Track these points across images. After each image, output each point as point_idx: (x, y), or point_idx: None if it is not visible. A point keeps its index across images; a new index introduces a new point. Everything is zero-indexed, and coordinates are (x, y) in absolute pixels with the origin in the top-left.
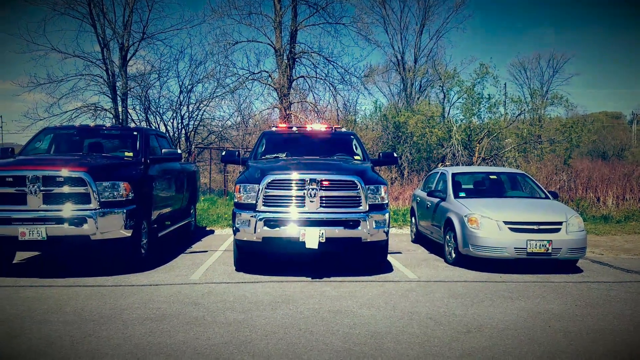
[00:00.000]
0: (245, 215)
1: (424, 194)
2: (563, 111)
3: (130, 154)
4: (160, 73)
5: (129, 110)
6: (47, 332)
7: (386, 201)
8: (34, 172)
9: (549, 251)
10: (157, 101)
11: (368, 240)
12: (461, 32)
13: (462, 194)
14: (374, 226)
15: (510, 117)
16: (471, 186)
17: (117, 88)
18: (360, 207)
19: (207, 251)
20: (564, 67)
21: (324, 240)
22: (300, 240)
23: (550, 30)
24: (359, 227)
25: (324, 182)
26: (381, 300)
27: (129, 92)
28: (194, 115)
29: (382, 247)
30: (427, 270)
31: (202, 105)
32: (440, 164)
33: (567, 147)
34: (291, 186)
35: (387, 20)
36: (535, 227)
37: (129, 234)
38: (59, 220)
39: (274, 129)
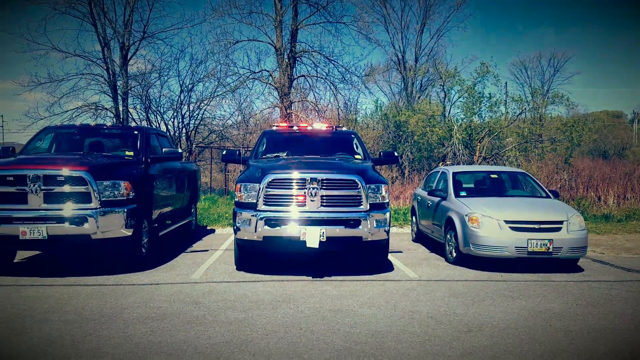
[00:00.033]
0: (246, 214)
1: (424, 193)
2: (564, 110)
3: (131, 153)
4: (161, 72)
5: (130, 110)
6: (48, 331)
7: (387, 200)
8: (34, 172)
9: (550, 250)
10: (157, 100)
11: (369, 239)
12: (462, 31)
13: (463, 193)
14: (375, 225)
15: (511, 116)
16: (472, 185)
17: (117, 87)
18: (361, 207)
19: (207, 250)
20: (565, 66)
21: (324, 240)
22: (301, 239)
23: (551, 29)
24: (360, 227)
25: (324, 181)
26: (382, 300)
27: (129, 91)
28: (194, 114)
29: (382, 247)
30: (428, 269)
31: (202, 104)
32: (441, 163)
33: (568, 146)
34: (292, 185)
35: (388, 19)
36: (536, 226)
37: (130, 233)
38: (60, 220)
39: (274, 128)
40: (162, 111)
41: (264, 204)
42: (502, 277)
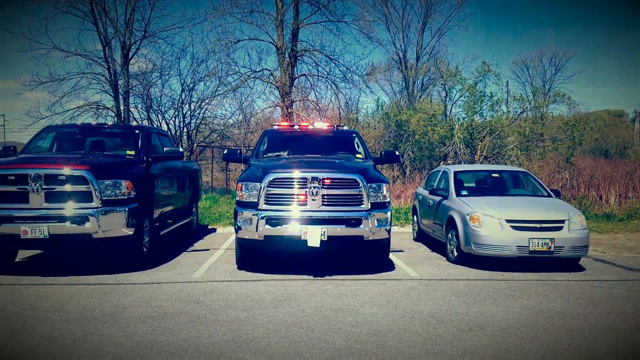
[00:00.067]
0: (247, 213)
1: (426, 193)
2: (565, 109)
3: (132, 153)
4: (162, 71)
5: (131, 109)
6: (49, 330)
7: (388, 199)
8: (36, 171)
9: (552, 249)
10: (159, 99)
11: (370, 238)
12: (463, 31)
13: (464, 192)
14: (376, 224)
15: (512, 115)
16: (473, 184)
17: (119, 86)
18: (362, 206)
19: (209, 249)
20: (566, 65)
21: (325, 239)
22: (302, 238)
23: (552, 28)
24: (361, 226)
25: (325, 181)
26: (383, 299)
27: (130, 90)
28: (195, 113)
29: (384, 246)
30: (429, 268)
31: (204, 103)
32: (442, 162)
33: (570, 145)
34: (293, 184)
35: (389, 18)
36: (537, 225)
37: (131, 233)
38: (61, 219)
39: (275, 127)
40: (163, 110)
41: (265, 203)
42: (504, 277)
